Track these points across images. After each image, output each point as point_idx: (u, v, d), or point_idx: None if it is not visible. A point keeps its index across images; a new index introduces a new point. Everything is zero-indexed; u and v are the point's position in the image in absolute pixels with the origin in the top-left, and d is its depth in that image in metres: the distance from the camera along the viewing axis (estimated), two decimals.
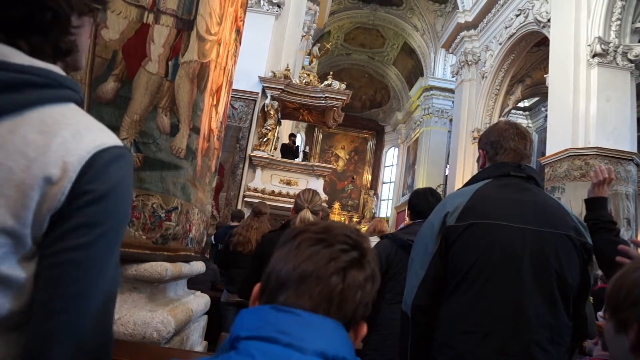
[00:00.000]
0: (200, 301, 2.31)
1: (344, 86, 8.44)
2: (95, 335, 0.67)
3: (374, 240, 3.16)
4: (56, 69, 0.71)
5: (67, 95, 0.71)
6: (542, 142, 12.70)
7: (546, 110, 11.20)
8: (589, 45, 8.09)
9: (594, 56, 7.99)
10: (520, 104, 15.76)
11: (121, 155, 0.71)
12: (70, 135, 0.66)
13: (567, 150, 7.90)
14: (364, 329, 0.68)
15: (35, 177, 0.62)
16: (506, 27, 11.47)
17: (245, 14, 2.83)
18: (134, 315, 1.61)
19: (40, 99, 0.67)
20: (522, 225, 1.33)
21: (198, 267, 2.39)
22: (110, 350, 0.72)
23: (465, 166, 12.23)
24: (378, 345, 2.21)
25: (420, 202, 2.45)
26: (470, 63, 13.26)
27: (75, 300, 0.65)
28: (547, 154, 8.57)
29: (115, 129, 1.70)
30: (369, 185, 21.38)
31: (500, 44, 11.83)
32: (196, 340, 2.25)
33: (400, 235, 2.42)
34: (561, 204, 1.46)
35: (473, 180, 1.53)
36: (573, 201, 6.96)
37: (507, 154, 1.51)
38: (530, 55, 12.02)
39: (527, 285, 1.29)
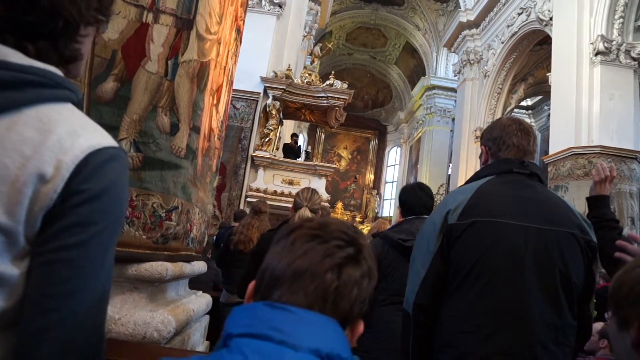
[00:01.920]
0: (201, 301, 2.30)
1: (345, 86, 8.44)
2: (86, 335, 0.67)
3: None
4: (55, 69, 0.71)
5: (65, 95, 0.71)
6: (545, 141, 12.64)
7: (549, 109, 11.16)
8: (591, 44, 8.06)
9: (596, 54, 7.96)
10: (523, 103, 15.71)
11: (116, 156, 0.71)
12: (65, 134, 0.67)
13: (570, 148, 7.87)
14: (360, 327, 0.67)
15: (29, 174, 0.63)
16: (508, 26, 11.44)
17: (245, 13, 2.82)
18: (134, 315, 1.60)
19: (38, 97, 0.67)
20: (525, 223, 1.31)
21: (199, 267, 2.39)
22: (102, 349, 0.71)
23: (467, 165, 12.20)
24: (369, 347, 2.11)
25: (409, 197, 2.37)
26: (472, 62, 13.23)
27: (66, 299, 0.65)
28: (550, 152, 8.54)
29: (114, 128, 1.70)
30: (371, 185, 21.36)
31: (502, 42, 11.80)
32: (198, 340, 2.24)
33: (391, 234, 2.32)
34: (565, 202, 1.44)
35: (475, 177, 1.51)
36: (576, 200, 6.92)
37: (510, 151, 1.49)
38: (532, 53, 11.98)
39: (530, 284, 1.26)
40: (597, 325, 2.30)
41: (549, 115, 11.60)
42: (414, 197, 2.36)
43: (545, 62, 11.71)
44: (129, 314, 1.60)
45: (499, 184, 1.41)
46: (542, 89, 13.20)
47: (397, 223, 2.43)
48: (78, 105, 0.75)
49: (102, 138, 0.71)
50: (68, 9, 0.70)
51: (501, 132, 1.51)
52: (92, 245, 0.67)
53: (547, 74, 9.60)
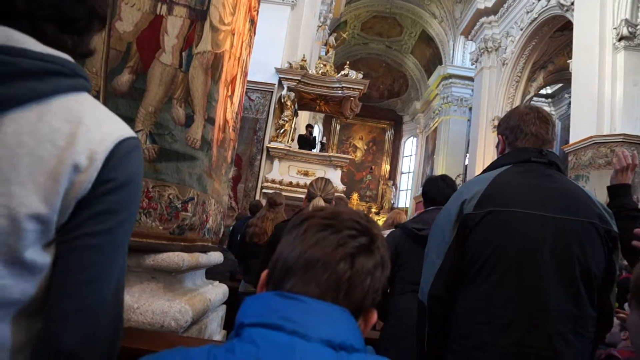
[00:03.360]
0: (218, 291, 2.33)
1: (360, 76, 8.37)
2: (108, 320, 0.69)
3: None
4: (69, 57, 0.72)
5: (82, 84, 0.73)
6: (566, 129, 12.36)
7: (569, 97, 10.89)
8: (615, 28, 7.80)
9: (620, 39, 7.70)
10: (543, 91, 15.37)
11: (137, 147, 0.75)
12: (93, 125, 0.69)
13: (591, 137, 7.67)
14: (374, 316, 0.67)
15: (65, 165, 0.65)
16: (527, 12, 11.16)
17: (259, 3, 2.81)
18: (152, 305, 1.63)
19: (61, 87, 0.69)
20: (543, 213, 1.28)
21: (215, 257, 2.41)
22: (120, 334, 0.74)
23: (485, 155, 12.02)
24: (390, 335, 2.20)
25: (431, 189, 2.43)
26: (490, 50, 12.97)
27: (91, 286, 0.67)
28: (571, 141, 8.34)
29: (130, 120, 1.72)
30: (387, 175, 21.25)
31: (521, 29, 11.52)
32: (215, 330, 2.27)
33: (408, 224, 2.40)
34: (585, 191, 1.40)
35: (492, 166, 1.48)
36: (598, 190, 6.75)
37: (528, 139, 1.45)
38: (553, 40, 11.67)
39: (548, 274, 1.24)
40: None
41: (569, 103, 11.34)
42: (435, 189, 2.41)
43: (566, 48, 11.39)
44: (147, 303, 1.63)
45: (516, 174, 1.38)
46: (562, 77, 12.86)
47: (418, 214, 2.50)
48: (90, 93, 0.76)
49: (124, 129, 0.74)
50: (102, 7, 0.74)
51: (519, 120, 1.48)
52: (118, 232, 0.70)
53: (568, 61, 9.35)
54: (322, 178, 2.47)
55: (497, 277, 1.27)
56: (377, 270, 0.64)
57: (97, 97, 1.70)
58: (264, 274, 0.68)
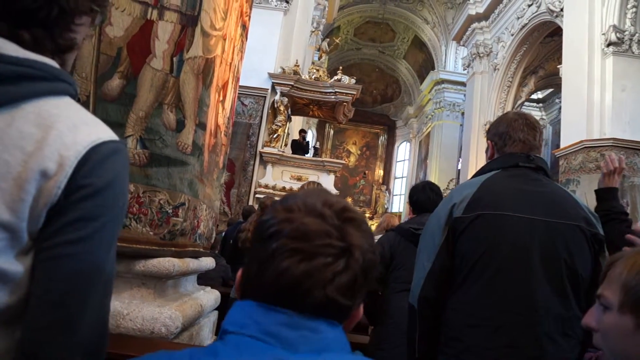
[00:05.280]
0: (210, 297, 2.31)
1: (353, 81, 8.42)
2: (91, 329, 0.67)
3: None
4: (51, 62, 0.71)
5: (63, 88, 0.71)
6: (557, 134, 12.48)
7: (560, 101, 11.00)
8: (603, 34, 7.91)
9: (608, 45, 7.81)
10: (534, 96, 15.52)
11: (117, 150, 0.71)
12: (66, 129, 0.66)
13: (582, 141, 7.75)
14: (359, 312, 0.64)
15: (32, 170, 0.62)
16: (518, 18, 11.29)
17: (251, 9, 2.82)
18: (142, 311, 1.62)
19: (36, 91, 0.67)
20: (531, 216, 1.31)
21: (207, 263, 2.40)
22: (105, 343, 0.72)
23: (477, 160, 12.10)
24: (386, 335, 2.22)
25: (420, 196, 2.44)
26: (481, 55, 13.09)
27: (71, 294, 0.65)
28: (562, 145, 8.42)
29: (121, 125, 1.71)
30: (380, 180, 21.30)
31: (512, 35, 11.65)
32: (206, 336, 2.26)
33: (404, 225, 2.43)
34: (571, 195, 1.43)
35: (481, 171, 1.51)
36: (589, 194, 6.78)
37: (516, 145, 1.48)
38: (543, 45, 11.81)
39: (536, 276, 1.26)
40: None
41: (560, 108, 11.44)
42: (425, 196, 2.42)
43: (556, 54, 11.51)
44: (137, 310, 1.62)
45: (504, 178, 1.41)
46: (553, 82, 13.00)
47: (411, 218, 2.52)
48: (75, 97, 0.74)
49: (102, 132, 0.71)
50: None
51: (507, 127, 1.51)
52: (96, 240, 0.67)
53: (558, 66, 9.45)
54: (312, 182, 2.48)
55: (486, 280, 1.29)
56: (358, 280, 0.59)
57: (87, 102, 1.69)
58: (239, 274, 0.66)
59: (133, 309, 1.62)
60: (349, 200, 19.68)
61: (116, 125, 1.69)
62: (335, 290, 0.57)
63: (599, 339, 0.88)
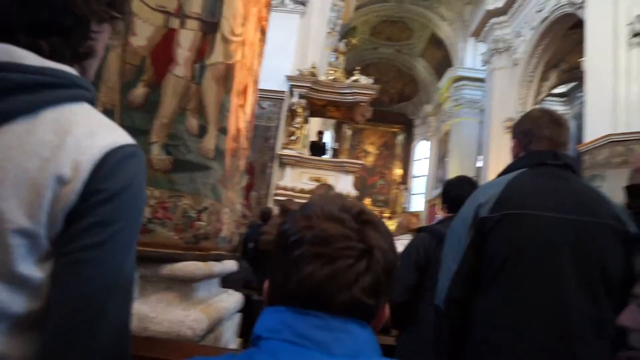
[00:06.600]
0: (232, 299, 2.34)
1: (371, 81, 8.37)
2: (112, 333, 0.67)
3: (405, 240, 3.05)
4: (68, 68, 0.72)
5: (80, 94, 0.72)
6: (580, 128, 12.19)
7: (583, 95, 10.73)
8: (629, 25, 7.68)
9: (634, 36, 7.58)
10: (556, 90, 15.16)
11: (133, 154, 0.71)
12: (82, 135, 0.67)
13: (607, 136, 7.52)
14: (386, 311, 0.66)
15: (49, 176, 0.63)
16: (538, 11, 11.07)
17: (269, 13, 2.84)
18: (168, 314, 1.64)
19: (54, 99, 0.68)
20: (560, 215, 1.28)
21: (230, 265, 2.43)
22: (128, 348, 0.72)
23: (498, 157, 11.89)
24: (417, 347, 2.05)
25: (458, 191, 2.23)
26: (501, 50, 12.88)
27: (91, 299, 0.65)
28: (585, 140, 8.21)
29: (146, 132, 1.75)
30: (399, 179, 21.14)
31: (532, 29, 11.42)
32: (230, 337, 2.28)
33: (439, 228, 2.24)
34: (601, 192, 1.39)
35: (507, 170, 1.48)
36: (615, 190, 6.61)
37: (542, 143, 1.45)
38: (565, 38, 11.53)
39: (567, 277, 1.23)
40: None
41: (583, 102, 11.16)
42: (464, 192, 2.17)
43: (579, 46, 11.22)
44: (163, 313, 1.65)
45: (531, 176, 1.38)
46: (576, 75, 12.67)
47: (445, 218, 2.36)
48: (93, 103, 0.75)
49: (118, 136, 0.71)
50: (79, 5, 0.71)
51: (532, 124, 1.48)
52: (114, 244, 0.67)
53: (580, 60, 9.23)
54: (324, 184, 2.48)
55: (514, 281, 1.27)
56: (381, 279, 0.61)
57: (112, 110, 1.73)
58: (267, 284, 0.68)
59: (159, 312, 1.65)
60: (368, 200, 19.60)
61: (142, 132, 1.73)
62: (360, 291, 0.59)
63: (636, 338, 0.86)
